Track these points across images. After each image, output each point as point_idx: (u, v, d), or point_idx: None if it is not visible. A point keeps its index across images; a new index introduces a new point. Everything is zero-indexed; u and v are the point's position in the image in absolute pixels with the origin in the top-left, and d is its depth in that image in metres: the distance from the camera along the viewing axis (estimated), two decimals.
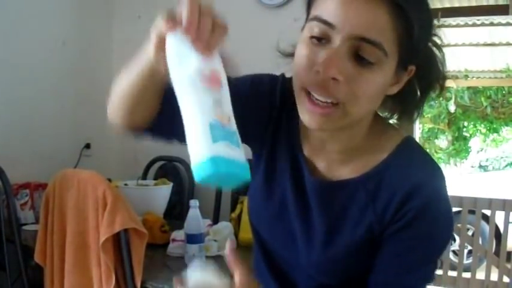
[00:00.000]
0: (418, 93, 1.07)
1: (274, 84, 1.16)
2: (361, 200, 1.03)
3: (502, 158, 13.39)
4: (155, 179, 3.61)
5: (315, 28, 0.93)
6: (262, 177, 1.17)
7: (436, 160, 1.08)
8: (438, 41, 1.12)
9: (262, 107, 1.15)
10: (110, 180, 2.71)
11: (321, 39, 0.92)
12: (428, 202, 0.98)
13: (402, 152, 1.04)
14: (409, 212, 0.98)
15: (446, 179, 1.05)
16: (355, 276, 1.06)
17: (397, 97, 1.04)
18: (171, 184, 3.14)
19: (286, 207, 1.13)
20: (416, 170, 1.02)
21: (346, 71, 0.90)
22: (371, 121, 1.06)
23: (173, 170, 3.77)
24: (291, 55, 1.02)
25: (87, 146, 3.93)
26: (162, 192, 3.07)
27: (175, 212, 3.43)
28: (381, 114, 1.11)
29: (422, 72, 1.03)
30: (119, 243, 2.16)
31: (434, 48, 1.10)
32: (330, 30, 0.90)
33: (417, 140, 6.12)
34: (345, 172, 1.07)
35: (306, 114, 0.96)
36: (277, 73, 1.18)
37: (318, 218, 1.07)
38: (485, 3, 5.36)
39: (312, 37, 0.93)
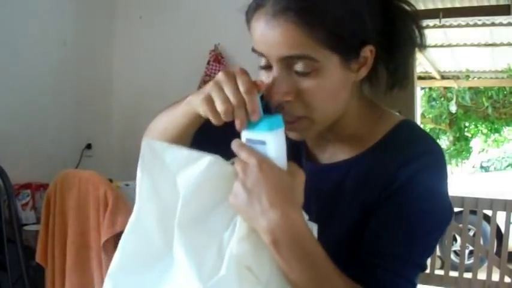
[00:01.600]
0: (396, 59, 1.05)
1: None
2: (354, 178, 1.05)
3: (503, 158, 13.37)
4: None
5: (259, 58, 0.98)
6: None
7: (437, 142, 1.08)
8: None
9: None
10: (111, 180, 2.71)
11: (267, 67, 0.97)
12: (417, 173, 0.98)
13: (398, 132, 1.05)
14: (397, 180, 0.98)
15: (444, 163, 1.04)
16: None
17: (387, 71, 1.05)
18: None
19: None
20: (411, 144, 1.03)
21: (292, 90, 0.94)
22: (363, 109, 1.09)
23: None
24: None
25: (88, 146, 3.93)
26: None
27: None
28: (369, 99, 1.12)
29: (386, 42, 1.01)
30: None
31: (400, 12, 1.02)
32: (265, 58, 0.96)
33: None
34: (342, 156, 1.09)
35: (288, 131, 0.98)
36: None
37: (313, 199, 1.03)
38: (486, 4, 5.36)
39: (261, 67, 0.99)
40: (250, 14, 0.99)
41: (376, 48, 0.99)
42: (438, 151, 1.04)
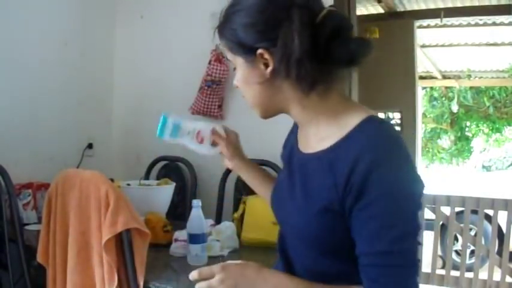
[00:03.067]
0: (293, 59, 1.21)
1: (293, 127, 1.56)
2: (323, 169, 1.23)
3: (504, 157, 13.37)
4: (158, 179, 3.61)
5: None
6: (281, 171, 1.52)
7: (388, 131, 1.23)
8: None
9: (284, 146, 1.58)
10: (112, 180, 2.71)
11: None
12: (372, 163, 1.12)
13: (362, 127, 1.20)
14: (358, 177, 1.12)
15: (394, 151, 1.18)
16: (332, 248, 1.25)
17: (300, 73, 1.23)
18: (174, 184, 3.14)
19: (283, 179, 1.44)
20: (366, 138, 1.17)
21: (235, 80, 1.37)
22: (329, 108, 1.29)
23: (176, 170, 3.78)
24: None
25: (90, 146, 3.93)
26: (165, 192, 3.06)
27: (178, 212, 3.43)
28: (342, 100, 1.31)
29: (285, 48, 1.20)
30: (122, 243, 2.15)
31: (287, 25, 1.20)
32: None
33: (419, 139, 6.12)
34: (316, 145, 1.30)
35: None
36: None
37: (298, 186, 1.31)
38: (487, 3, 5.36)
39: None
40: None
41: (274, 51, 1.22)
42: (385, 144, 1.17)
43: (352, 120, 1.22)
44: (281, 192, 1.43)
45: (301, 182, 1.31)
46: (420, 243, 1.14)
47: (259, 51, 1.23)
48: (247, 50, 1.26)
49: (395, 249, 1.11)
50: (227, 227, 2.70)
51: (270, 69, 1.25)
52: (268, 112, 1.35)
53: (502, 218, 4.73)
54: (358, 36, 1.31)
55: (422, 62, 7.98)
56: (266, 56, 1.23)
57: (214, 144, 1.83)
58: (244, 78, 1.32)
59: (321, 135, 1.29)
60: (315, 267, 1.30)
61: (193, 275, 1.25)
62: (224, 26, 1.33)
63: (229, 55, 1.34)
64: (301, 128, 1.40)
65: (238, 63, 1.31)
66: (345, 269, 1.24)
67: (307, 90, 1.25)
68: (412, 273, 1.13)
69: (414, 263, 1.13)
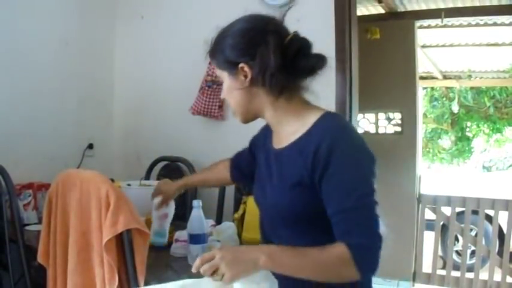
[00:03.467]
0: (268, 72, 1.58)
1: (261, 129, 1.94)
2: (294, 155, 1.58)
3: (505, 158, 13.38)
4: (158, 179, 3.61)
5: None
6: (256, 169, 1.85)
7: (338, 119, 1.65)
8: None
9: (256, 140, 1.97)
10: (112, 180, 2.71)
11: None
12: (330, 148, 1.47)
13: (320, 120, 1.57)
14: (320, 159, 1.47)
15: (347, 131, 1.56)
16: (306, 221, 1.56)
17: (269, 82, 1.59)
18: None
19: (262, 172, 1.78)
20: (321, 131, 1.53)
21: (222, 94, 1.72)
22: (287, 111, 1.65)
23: (176, 170, 3.78)
24: None
25: (90, 146, 3.93)
26: None
27: (179, 212, 3.42)
28: (304, 104, 1.67)
29: (262, 62, 1.57)
30: (122, 243, 2.15)
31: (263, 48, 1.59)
32: None
33: (420, 140, 6.12)
34: (286, 140, 1.65)
35: None
36: None
37: (275, 172, 1.67)
38: (488, 4, 5.35)
39: None
40: None
41: (252, 65, 1.59)
42: (338, 128, 1.56)
43: (312, 118, 1.59)
44: (262, 182, 1.76)
45: (277, 168, 1.66)
46: (377, 203, 1.45)
47: (241, 65, 1.60)
48: (232, 65, 1.62)
49: (360, 205, 1.43)
50: (228, 227, 2.70)
51: (248, 78, 1.60)
52: (248, 116, 1.69)
53: (502, 218, 4.74)
54: (316, 52, 1.62)
55: (423, 62, 7.97)
56: (246, 68, 1.60)
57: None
58: (228, 87, 1.66)
59: (289, 131, 1.64)
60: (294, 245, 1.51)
61: (196, 264, 1.41)
62: (215, 48, 1.71)
63: (218, 72, 1.71)
64: (274, 129, 1.73)
65: (224, 76, 1.66)
66: (323, 244, 1.45)
67: (277, 95, 1.61)
68: (374, 223, 1.43)
69: (375, 215, 1.44)
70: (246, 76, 1.61)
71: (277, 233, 1.67)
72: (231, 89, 1.66)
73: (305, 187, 1.52)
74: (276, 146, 1.72)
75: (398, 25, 5.69)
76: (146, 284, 2.15)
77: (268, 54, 1.55)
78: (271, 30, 1.62)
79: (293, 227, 1.59)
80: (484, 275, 4.70)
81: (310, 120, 1.59)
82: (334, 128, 1.55)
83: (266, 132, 1.84)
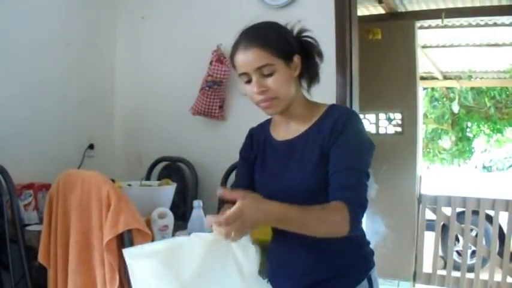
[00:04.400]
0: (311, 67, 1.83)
1: (246, 138, 2.04)
2: (312, 136, 1.76)
3: (505, 158, 13.38)
4: (159, 179, 3.61)
5: (243, 78, 1.74)
6: (260, 165, 1.93)
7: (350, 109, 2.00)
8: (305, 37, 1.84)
9: (247, 152, 2.01)
10: (113, 180, 2.71)
11: (248, 81, 1.73)
12: (345, 120, 1.70)
13: (330, 110, 1.80)
14: (337, 129, 1.69)
15: (358, 116, 1.77)
16: (324, 191, 1.66)
17: (303, 74, 1.82)
18: (175, 184, 3.13)
19: (270, 163, 1.89)
20: (337, 112, 1.76)
21: (264, 85, 1.71)
22: (304, 103, 1.83)
23: (177, 170, 3.78)
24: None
25: (91, 146, 3.93)
26: (166, 192, 3.06)
27: (179, 213, 3.43)
28: (310, 99, 1.87)
29: (305, 54, 1.79)
30: (123, 243, 2.16)
31: (307, 40, 1.83)
32: (247, 74, 1.72)
33: (420, 140, 6.12)
34: (299, 130, 1.82)
35: (266, 110, 1.77)
36: None
37: (291, 159, 1.79)
38: (488, 4, 5.35)
39: (245, 82, 1.75)
40: (232, 55, 1.78)
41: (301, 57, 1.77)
42: (352, 111, 1.81)
43: (321, 108, 1.81)
44: (272, 170, 1.86)
45: (292, 155, 1.79)
46: (369, 176, 1.67)
47: (297, 56, 1.75)
48: (289, 55, 1.73)
49: (359, 169, 1.65)
50: None
51: (298, 71, 1.77)
52: (286, 107, 1.77)
53: (502, 218, 4.74)
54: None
55: (423, 63, 7.97)
56: (297, 60, 1.76)
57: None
58: (285, 76, 1.72)
59: (299, 122, 1.82)
60: None
61: (213, 222, 1.42)
62: (272, 36, 1.73)
63: (268, 60, 1.69)
64: (286, 121, 1.87)
65: (276, 66, 1.70)
66: None
67: (300, 89, 1.84)
68: (366, 189, 1.64)
69: (367, 182, 1.66)
70: (296, 67, 1.76)
71: None
72: (288, 78, 1.74)
73: (326, 159, 1.69)
74: (284, 138, 1.86)
75: (398, 25, 5.69)
76: None
77: (317, 52, 1.82)
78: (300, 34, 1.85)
79: (311, 200, 1.66)
80: (484, 275, 4.71)
81: (319, 110, 1.81)
82: (349, 110, 1.80)
83: (259, 135, 1.99)
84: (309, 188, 1.72)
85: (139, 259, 1.43)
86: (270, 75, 1.70)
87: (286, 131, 1.87)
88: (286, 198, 1.68)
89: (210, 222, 1.41)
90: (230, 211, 1.38)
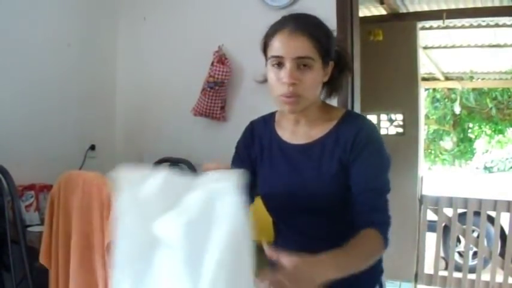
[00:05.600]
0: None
1: (246, 130, 1.98)
2: (330, 146, 1.70)
3: (507, 159, 13.36)
4: None
5: (274, 61, 1.62)
6: (265, 165, 1.83)
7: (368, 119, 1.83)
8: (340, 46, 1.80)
9: (247, 147, 1.93)
10: None
11: (278, 65, 1.61)
12: (367, 135, 1.66)
13: (347, 117, 1.74)
14: (359, 143, 1.65)
15: (376, 127, 1.77)
16: (339, 203, 1.67)
17: (329, 82, 1.74)
18: None
19: (278, 165, 1.80)
20: (356, 122, 1.71)
21: (297, 77, 1.59)
22: (319, 105, 1.76)
23: (179, 171, 3.77)
24: (265, 81, 1.71)
25: (92, 147, 3.93)
26: None
27: None
28: (325, 102, 1.81)
29: (338, 64, 1.74)
30: None
31: (343, 52, 1.80)
32: (281, 59, 1.60)
33: (422, 141, 6.12)
34: (313, 135, 1.74)
35: (286, 106, 1.65)
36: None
37: (305, 165, 1.73)
38: (490, 5, 5.35)
39: (273, 65, 1.63)
40: (270, 35, 1.65)
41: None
42: (372, 124, 1.77)
43: (337, 114, 1.75)
44: (283, 175, 1.77)
45: (315, 162, 1.71)
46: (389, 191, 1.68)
47: (332, 62, 1.69)
48: (328, 57, 1.66)
49: (384, 189, 1.64)
50: None
51: (327, 77, 1.70)
52: (305, 107, 1.68)
53: (504, 219, 4.73)
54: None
55: (425, 64, 7.96)
56: (331, 67, 1.69)
57: None
58: (318, 78, 1.65)
59: (316, 126, 1.74)
60: (318, 230, 1.73)
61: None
62: (315, 34, 1.62)
63: (308, 52, 1.60)
64: (300, 123, 1.76)
65: (313, 63, 1.61)
66: (341, 231, 1.56)
67: (321, 94, 1.76)
68: (388, 205, 1.64)
69: (388, 199, 1.65)
70: (327, 73, 1.69)
71: (292, 221, 1.79)
72: (319, 80, 1.67)
73: (346, 173, 1.66)
74: (294, 140, 1.78)
75: (400, 26, 5.69)
76: None
77: (349, 67, 1.82)
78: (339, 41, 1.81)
79: (318, 215, 1.71)
80: (485, 276, 4.69)
81: (335, 116, 1.75)
82: (369, 123, 1.75)
83: (262, 131, 1.89)
84: (327, 196, 1.69)
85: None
86: (306, 70, 1.60)
87: (294, 132, 1.79)
88: (292, 206, 1.75)
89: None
90: (281, 276, 1.27)
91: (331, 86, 1.78)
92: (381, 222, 1.59)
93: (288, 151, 1.78)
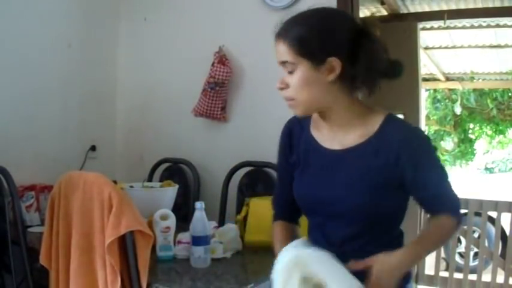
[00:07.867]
0: (364, 73, 1.59)
1: (283, 135, 1.85)
2: (368, 155, 1.61)
3: (507, 160, 13.34)
4: (161, 180, 3.61)
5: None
6: (300, 167, 1.76)
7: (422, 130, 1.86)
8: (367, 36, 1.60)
9: (285, 146, 1.84)
10: (115, 182, 2.71)
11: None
12: (419, 142, 1.62)
13: (389, 122, 1.63)
14: (411, 151, 1.58)
15: (420, 130, 1.78)
16: (380, 215, 1.64)
17: (345, 79, 1.58)
18: (177, 186, 3.13)
19: (314, 170, 1.73)
20: (401, 128, 1.63)
21: (284, 82, 1.60)
22: (350, 108, 1.65)
23: (179, 171, 3.77)
24: None
25: (93, 148, 3.94)
26: (168, 194, 3.06)
27: (181, 214, 3.42)
28: (363, 105, 1.68)
29: (352, 60, 1.56)
30: (125, 245, 2.15)
31: (364, 41, 1.58)
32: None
33: None
34: (348, 142, 1.65)
35: (291, 109, 1.63)
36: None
37: (341, 174, 1.65)
38: (491, 5, 5.35)
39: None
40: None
41: (343, 61, 1.54)
42: (417, 129, 1.75)
43: (377, 119, 1.63)
44: (316, 179, 1.72)
45: (347, 167, 1.64)
46: None
47: (331, 59, 1.54)
48: (319, 57, 1.54)
49: (451, 193, 1.67)
50: (230, 229, 2.70)
51: (334, 74, 1.55)
52: (311, 110, 1.66)
53: (505, 220, 4.72)
54: (391, 58, 1.72)
55: (426, 64, 7.97)
56: (335, 64, 1.54)
57: None
58: (305, 79, 1.57)
59: (352, 132, 1.65)
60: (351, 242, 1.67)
61: None
62: (292, 36, 1.56)
63: (288, 57, 1.56)
64: (332, 129, 1.69)
65: (299, 65, 1.55)
66: (370, 240, 1.65)
67: (353, 96, 1.64)
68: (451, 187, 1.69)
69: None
70: (331, 71, 1.55)
71: (321, 225, 1.74)
72: (309, 82, 1.57)
73: (391, 187, 1.61)
74: (332, 146, 1.69)
75: (400, 27, 5.68)
76: (148, 286, 2.16)
77: (371, 55, 1.58)
78: (364, 30, 1.61)
79: (358, 225, 1.66)
80: (486, 277, 4.69)
81: (375, 121, 1.64)
82: (412, 128, 1.67)
83: (299, 133, 1.80)
84: (363, 212, 1.62)
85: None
86: (291, 72, 1.57)
87: (332, 137, 1.70)
88: (331, 215, 1.70)
89: None
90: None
91: (351, 83, 1.61)
92: (454, 210, 1.69)
93: (326, 157, 1.70)
